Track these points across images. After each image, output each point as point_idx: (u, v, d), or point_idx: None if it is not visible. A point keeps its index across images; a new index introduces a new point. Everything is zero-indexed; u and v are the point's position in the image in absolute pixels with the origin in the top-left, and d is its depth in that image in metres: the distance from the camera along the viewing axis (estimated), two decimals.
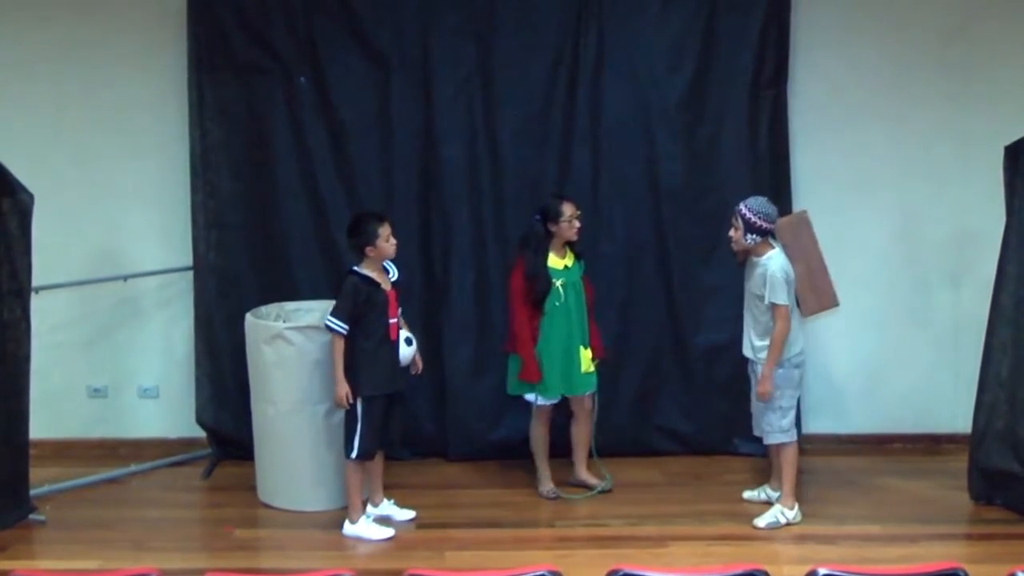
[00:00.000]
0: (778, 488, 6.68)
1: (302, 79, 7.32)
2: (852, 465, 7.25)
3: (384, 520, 6.67)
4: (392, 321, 6.49)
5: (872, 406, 7.73)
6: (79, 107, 7.48)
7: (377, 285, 6.45)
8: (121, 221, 7.58)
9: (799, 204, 7.26)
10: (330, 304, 7.13)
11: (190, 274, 7.49)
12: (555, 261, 6.77)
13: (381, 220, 6.47)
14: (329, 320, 6.41)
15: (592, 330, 6.91)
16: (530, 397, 6.84)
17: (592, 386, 6.93)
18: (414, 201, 7.38)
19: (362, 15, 7.28)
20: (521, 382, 6.80)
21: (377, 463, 6.71)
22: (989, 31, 7.46)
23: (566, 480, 7.07)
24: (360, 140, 7.39)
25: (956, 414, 7.45)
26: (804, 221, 6.64)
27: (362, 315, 6.40)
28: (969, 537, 6.64)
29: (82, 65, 7.45)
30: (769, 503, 6.69)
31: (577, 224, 6.76)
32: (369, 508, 6.70)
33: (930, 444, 7.70)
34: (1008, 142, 6.58)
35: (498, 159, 7.42)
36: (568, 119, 7.39)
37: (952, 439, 7.53)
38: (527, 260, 6.73)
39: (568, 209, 6.73)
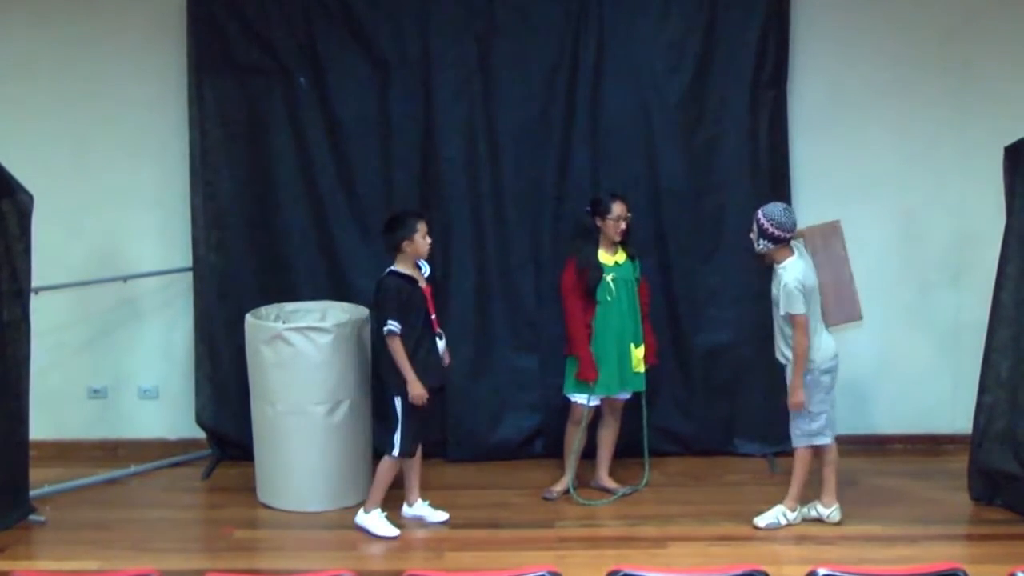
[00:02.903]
0: (831, 503, 6.64)
1: (302, 79, 7.31)
2: (852, 465, 7.25)
3: (417, 521, 6.67)
4: (433, 316, 6.51)
5: (872, 406, 7.73)
6: (79, 107, 7.48)
7: (415, 283, 6.46)
8: (121, 221, 7.58)
9: (799, 204, 7.24)
10: (329, 305, 7.18)
11: (190, 275, 7.48)
12: (605, 257, 6.78)
13: (419, 217, 6.52)
14: (389, 325, 6.37)
15: (647, 334, 6.91)
16: (580, 399, 6.82)
17: (641, 385, 6.93)
18: (414, 201, 7.37)
19: (362, 15, 7.27)
20: (578, 382, 6.79)
21: (415, 462, 6.72)
22: (989, 31, 7.45)
23: (587, 483, 7.07)
24: (360, 140, 7.38)
25: (956, 414, 7.45)
26: (836, 231, 6.62)
27: (405, 315, 6.41)
28: (969, 537, 6.64)
29: (82, 65, 7.45)
30: (820, 520, 6.64)
31: (623, 225, 6.76)
32: (404, 508, 6.72)
33: (930, 444, 7.70)
34: (1008, 143, 6.58)
35: (498, 159, 7.41)
36: (568, 119, 7.39)
37: (952, 439, 7.53)
38: (578, 250, 6.77)
39: (618, 208, 6.75)
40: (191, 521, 6.98)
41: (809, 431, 6.51)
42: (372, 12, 7.28)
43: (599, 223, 6.77)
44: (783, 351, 6.51)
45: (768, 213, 6.38)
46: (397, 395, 6.48)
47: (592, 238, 6.79)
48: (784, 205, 6.56)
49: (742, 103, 7.35)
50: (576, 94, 7.36)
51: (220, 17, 7.26)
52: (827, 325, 6.56)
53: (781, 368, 6.59)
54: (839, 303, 6.60)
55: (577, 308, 6.74)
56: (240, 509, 6.94)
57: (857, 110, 7.51)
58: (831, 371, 6.51)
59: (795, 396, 6.43)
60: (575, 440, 6.92)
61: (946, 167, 7.54)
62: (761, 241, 6.39)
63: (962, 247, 7.55)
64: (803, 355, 6.39)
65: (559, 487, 7.00)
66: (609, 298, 6.76)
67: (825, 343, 6.48)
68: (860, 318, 6.76)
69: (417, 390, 6.39)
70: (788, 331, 6.43)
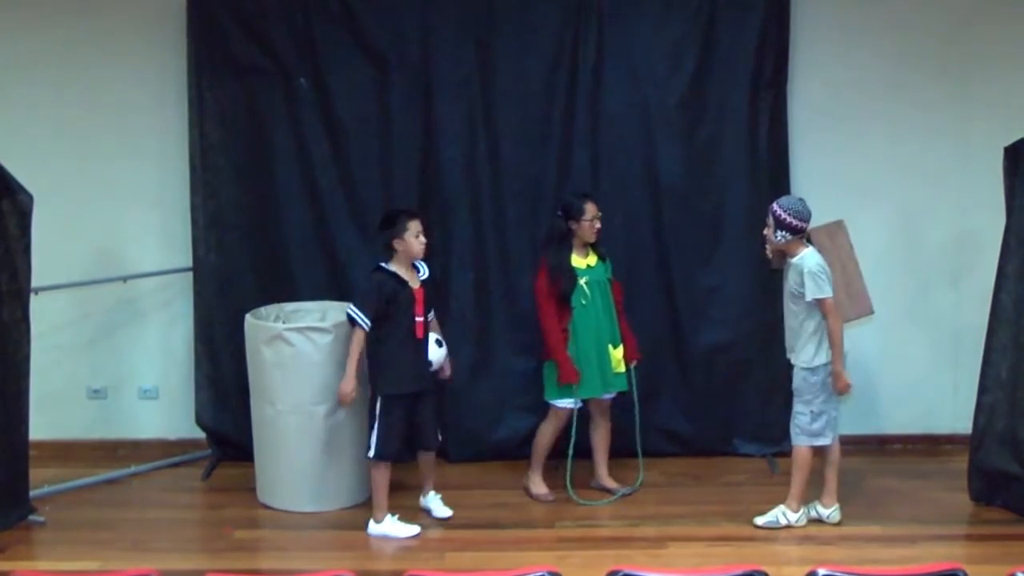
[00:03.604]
0: (831, 503, 6.65)
1: (302, 80, 7.31)
2: (852, 465, 7.24)
3: (425, 512, 6.69)
4: (419, 319, 6.46)
5: (872, 407, 7.72)
6: (79, 107, 7.48)
7: (404, 283, 6.43)
8: (121, 222, 7.58)
9: None
10: (329, 305, 7.19)
11: (190, 275, 7.48)
12: (577, 260, 6.77)
13: (412, 216, 6.48)
14: (352, 310, 6.37)
15: (626, 332, 6.92)
16: (565, 403, 6.81)
17: (623, 385, 6.93)
18: (414, 201, 7.36)
19: (362, 16, 7.27)
20: (560, 387, 6.76)
21: (428, 462, 6.72)
22: (989, 32, 7.46)
23: (587, 483, 7.07)
24: (360, 141, 7.38)
25: (956, 415, 7.45)
26: (842, 228, 6.64)
27: (386, 312, 6.39)
28: (969, 538, 6.63)
29: (82, 66, 7.45)
30: (820, 520, 6.64)
31: (597, 225, 6.76)
32: (421, 498, 6.74)
33: (930, 445, 7.70)
34: (1008, 143, 6.58)
35: (498, 159, 7.41)
36: (568, 119, 7.39)
37: (952, 440, 7.53)
38: (550, 256, 6.74)
39: (591, 209, 6.74)
40: (191, 521, 6.97)
41: (810, 431, 6.50)
42: (372, 12, 7.28)
43: (573, 226, 6.75)
44: (795, 351, 6.49)
45: (785, 204, 6.38)
46: (377, 394, 6.47)
47: (565, 243, 6.76)
48: (798, 196, 6.55)
49: (742, 103, 7.35)
50: (576, 94, 7.36)
51: (220, 17, 7.26)
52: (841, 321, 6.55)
53: (789, 367, 6.57)
54: (851, 299, 6.61)
55: (552, 313, 6.71)
56: (240, 509, 6.93)
57: (857, 110, 7.51)
58: None
59: (840, 382, 6.39)
60: (547, 442, 6.90)
61: (946, 167, 7.55)
62: (779, 233, 6.37)
63: (962, 247, 7.55)
64: (840, 339, 6.36)
65: (544, 488, 6.97)
66: (584, 302, 6.75)
67: None
68: (872, 312, 6.77)
69: (347, 388, 6.37)
70: (811, 326, 6.38)
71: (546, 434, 6.93)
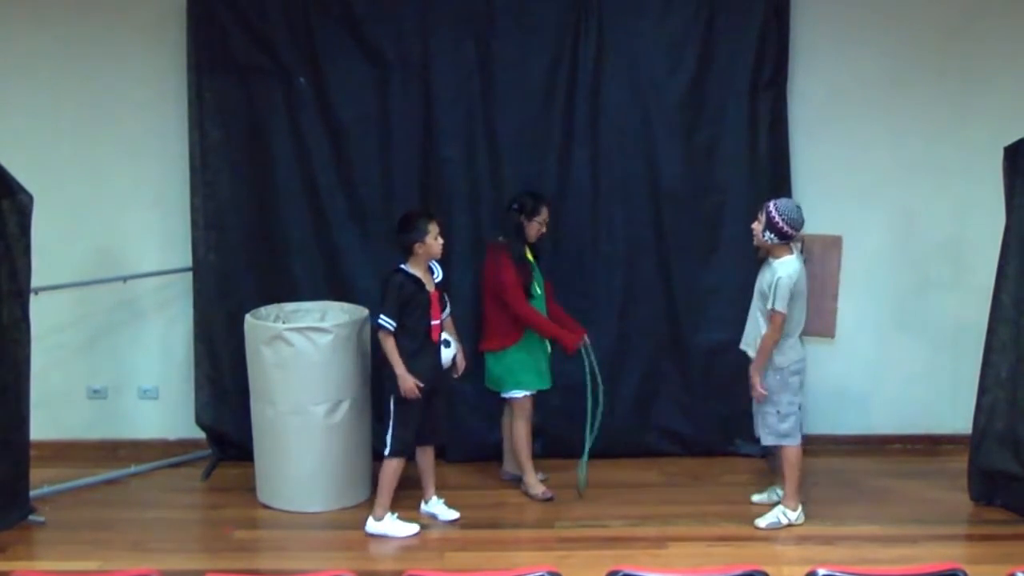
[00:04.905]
0: (793, 507, 6.65)
1: (301, 79, 7.31)
2: (852, 466, 7.25)
3: (430, 518, 6.70)
4: (435, 323, 6.49)
5: (872, 407, 7.73)
6: (79, 107, 7.48)
7: (422, 285, 6.46)
8: (121, 222, 7.58)
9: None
10: (329, 305, 7.19)
11: (189, 275, 7.48)
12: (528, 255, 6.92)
13: (431, 218, 6.52)
14: (381, 320, 6.42)
15: None
16: (517, 394, 6.87)
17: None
18: (414, 201, 7.36)
19: (362, 15, 7.27)
20: (518, 379, 6.86)
21: (427, 459, 6.74)
22: (989, 31, 7.46)
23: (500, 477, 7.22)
24: (360, 140, 7.38)
25: (956, 415, 7.44)
26: (837, 245, 6.65)
27: (404, 314, 6.41)
28: (969, 538, 6.64)
29: (82, 65, 7.45)
30: (775, 503, 6.67)
31: (544, 229, 6.89)
32: (421, 505, 6.74)
33: (930, 445, 7.71)
34: (1008, 143, 6.58)
35: (498, 159, 7.42)
36: (568, 119, 7.39)
37: (952, 440, 7.53)
38: (515, 248, 6.80)
39: (545, 212, 6.86)
40: (191, 521, 6.97)
41: (778, 431, 6.52)
42: (372, 12, 7.28)
43: (524, 221, 6.82)
44: (755, 342, 6.51)
45: (781, 208, 6.38)
46: (391, 393, 6.49)
47: (521, 237, 6.84)
48: (796, 203, 6.55)
49: (742, 103, 7.35)
50: (576, 94, 7.36)
51: (220, 17, 7.25)
52: (802, 333, 6.55)
53: (748, 361, 6.59)
54: (817, 315, 6.62)
55: (524, 299, 6.79)
56: (240, 509, 6.93)
57: (857, 110, 7.52)
58: (799, 372, 6.53)
59: (757, 388, 6.45)
60: (524, 438, 6.96)
61: (946, 167, 7.55)
62: (767, 233, 6.38)
63: (961, 247, 7.55)
64: (768, 349, 6.40)
65: (541, 487, 6.99)
66: (540, 292, 6.88)
67: (795, 345, 6.49)
68: (832, 336, 6.78)
69: (408, 384, 6.40)
70: (767, 322, 6.43)
71: (520, 431, 6.95)
